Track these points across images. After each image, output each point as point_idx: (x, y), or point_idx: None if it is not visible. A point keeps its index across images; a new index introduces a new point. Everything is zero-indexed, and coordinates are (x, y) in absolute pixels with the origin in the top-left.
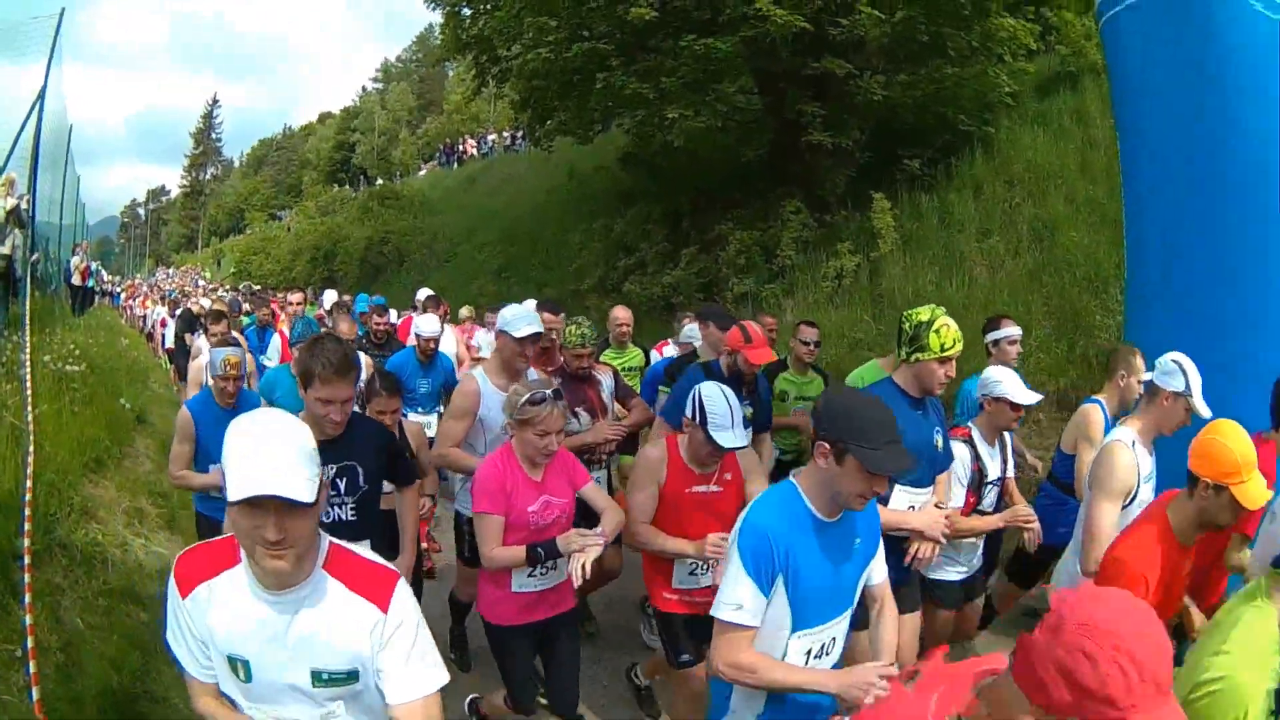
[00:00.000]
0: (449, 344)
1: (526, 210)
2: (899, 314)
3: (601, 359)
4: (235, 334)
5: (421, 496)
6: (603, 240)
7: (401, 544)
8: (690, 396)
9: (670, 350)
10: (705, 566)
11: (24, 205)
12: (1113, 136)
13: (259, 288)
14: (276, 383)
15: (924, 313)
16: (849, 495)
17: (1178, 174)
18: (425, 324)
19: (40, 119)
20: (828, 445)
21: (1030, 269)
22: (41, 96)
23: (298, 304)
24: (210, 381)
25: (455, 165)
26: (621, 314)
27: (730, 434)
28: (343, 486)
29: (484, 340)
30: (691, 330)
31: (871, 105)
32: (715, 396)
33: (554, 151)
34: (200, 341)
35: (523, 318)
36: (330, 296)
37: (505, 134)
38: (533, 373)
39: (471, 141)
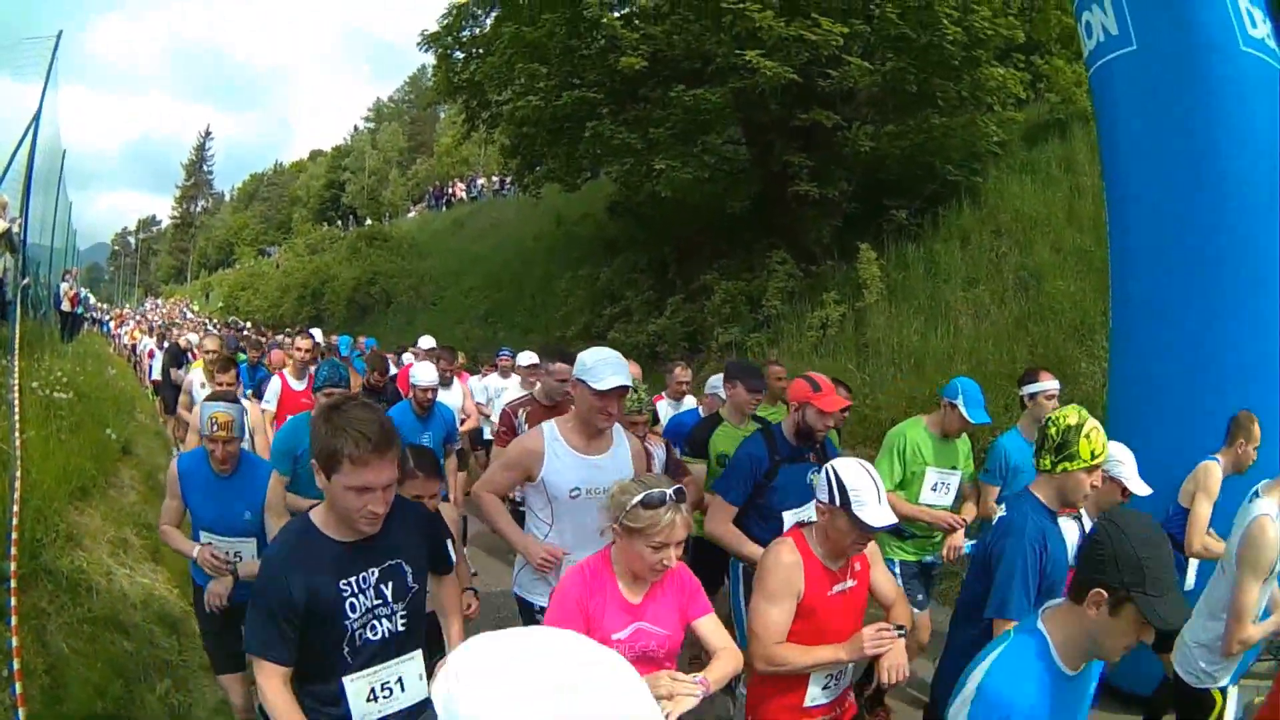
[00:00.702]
0: (455, 398)
1: (513, 256)
2: (883, 363)
3: None
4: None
5: (463, 590)
6: (588, 287)
7: (449, 645)
8: (823, 478)
9: (664, 406)
10: (842, 674)
11: (15, 229)
12: (1100, 184)
13: (249, 326)
14: (301, 433)
15: (1070, 414)
16: (1113, 648)
17: (1165, 220)
18: (422, 373)
19: (34, 142)
20: (1105, 593)
21: (1016, 317)
22: (36, 119)
23: (306, 350)
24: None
25: (444, 208)
26: (631, 369)
27: (879, 510)
28: (389, 592)
29: (477, 386)
30: (716, 382)
31: (859, 156)
32: (853, 470)
33: (542, 198)
34: (191, 376)
35: (607, 365)
36: (315, 336)
37: (494, 179)
38: (623, 437)
39: (460, 185)
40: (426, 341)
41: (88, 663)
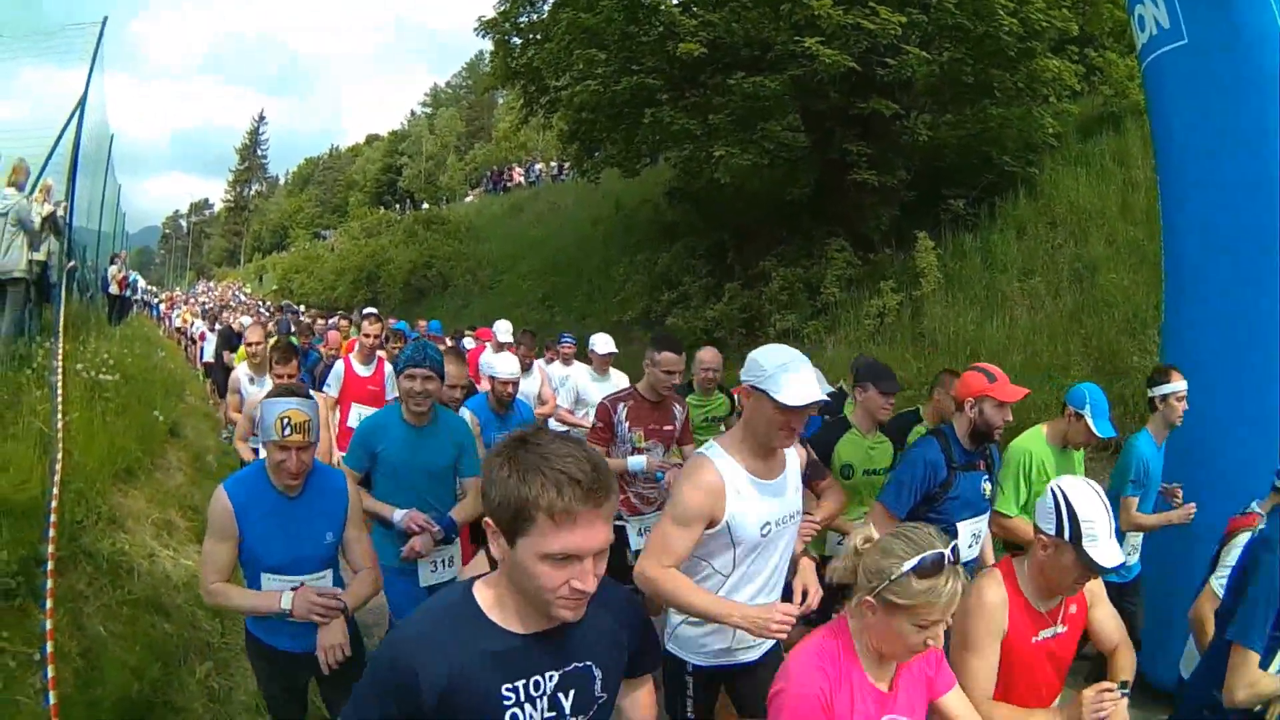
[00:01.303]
0: (533, 384)
1: (571, 240)
2: (940, 353)
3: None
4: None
5: None
6: (646, 273)
7: None
8: (1050, 502)
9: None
10: None
11: (60, 212)
12: (1153, 178)
13: (303, 309)
14: (383, 428)
15: None
16: None
17: (1216, 214)
18: (501, 364)
19: (80, 126)
20: None
21: (1070, 310)
22: (82, 103)
23: (375, 336)
24: (262, 446)
25: (502, 192)
26: (708, 357)
27: (1110, 546)
28: (567, 704)
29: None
30: None
31: (917, 145)
32: (1085, 496)
33: (600, 183)
34: (237, 372)
35: (789, 366)
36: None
37: (552, 164)
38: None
39: (519, 170)
40: (504, 330)
41: (125, 645)
